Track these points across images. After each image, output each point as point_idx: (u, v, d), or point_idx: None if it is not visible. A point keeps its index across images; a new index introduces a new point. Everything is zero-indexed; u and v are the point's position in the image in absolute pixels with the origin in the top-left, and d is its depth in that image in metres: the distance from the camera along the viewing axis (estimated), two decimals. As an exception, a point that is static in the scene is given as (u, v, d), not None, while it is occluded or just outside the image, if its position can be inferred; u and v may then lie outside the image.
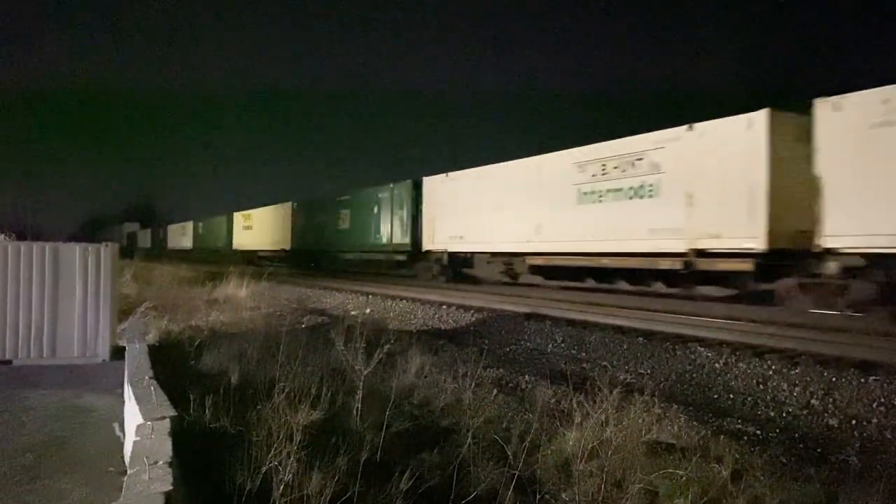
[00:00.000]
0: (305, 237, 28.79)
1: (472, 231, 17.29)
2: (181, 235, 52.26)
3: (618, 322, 9.96)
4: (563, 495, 3.65)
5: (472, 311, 11.88)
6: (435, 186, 19.27)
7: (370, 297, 15.20)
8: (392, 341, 5.62)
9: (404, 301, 13.92)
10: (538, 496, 3.47)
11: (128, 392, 4.84)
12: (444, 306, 12.67)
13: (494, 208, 16.40)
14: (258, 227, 35.09)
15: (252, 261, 32.94)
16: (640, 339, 8.65)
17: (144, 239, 66.81)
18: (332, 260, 26.66)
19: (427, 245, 19.37)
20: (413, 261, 20.40)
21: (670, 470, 3.59)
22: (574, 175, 13.84)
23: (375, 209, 22.17)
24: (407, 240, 20.36)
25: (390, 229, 21.25)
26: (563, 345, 9.14)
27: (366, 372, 4.58)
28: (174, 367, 6.23)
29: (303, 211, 29.36)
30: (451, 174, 18.61)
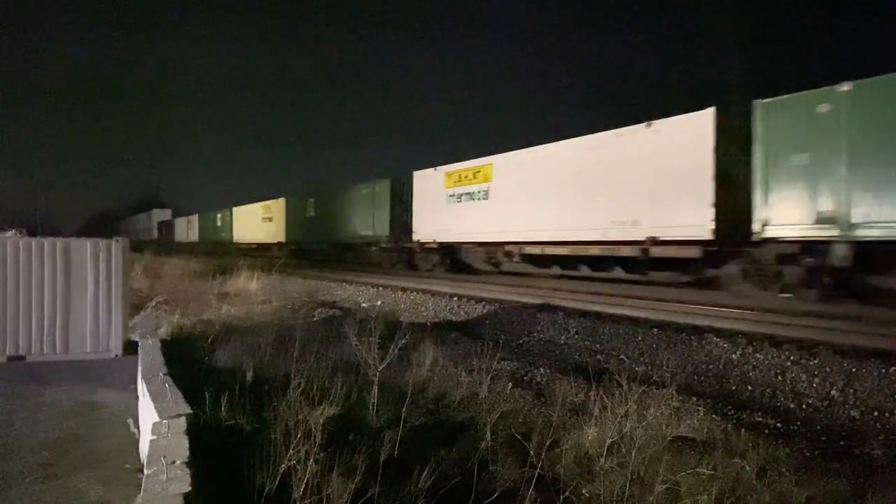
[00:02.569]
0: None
1: None
2: (264, 222, 33.45)
3: (631, 313, 9.91)
4: (584, 491, 3.59)
5: (483, 303, 11.82)
6: None
7: (380, 289, 15.16)
8: (406, 336, 5.55)
9: (415, 293, 13.88)
10: (561, 495, 3.40)
11: (142, 388, 4.81)
12: (455, 298, 12.61)
13: None
14: (520, 194, 16.25)
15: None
16: (655, 329, 8.55)
17: (185, 229, 49.54)
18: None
19: None
20: None
21: (695, 469, 3.51)
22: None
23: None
24: None
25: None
26: (576, 336, 9.06)
27: (381, 367, 4.53)
28: (187, 362, 6.21)
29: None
30: None
